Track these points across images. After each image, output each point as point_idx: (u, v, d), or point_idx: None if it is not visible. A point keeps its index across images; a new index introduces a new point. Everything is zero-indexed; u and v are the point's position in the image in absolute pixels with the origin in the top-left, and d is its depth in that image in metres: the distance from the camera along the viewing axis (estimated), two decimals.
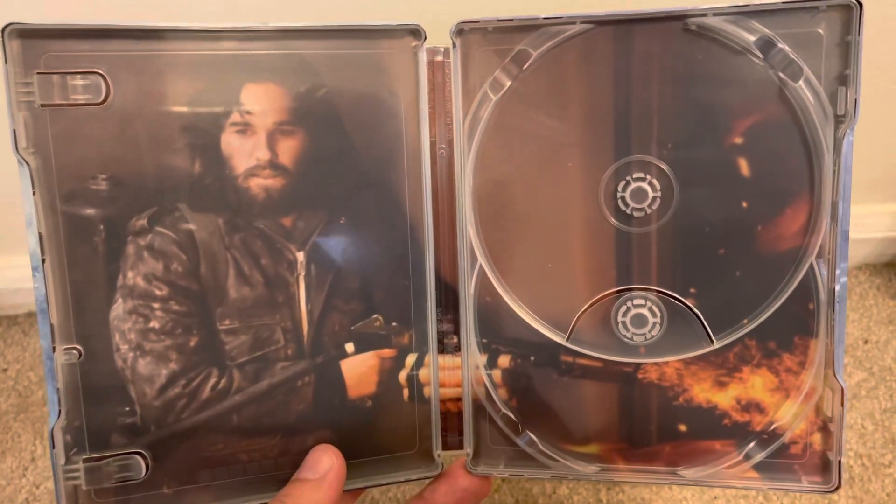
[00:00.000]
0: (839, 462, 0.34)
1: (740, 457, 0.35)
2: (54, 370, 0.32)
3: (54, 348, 0.32)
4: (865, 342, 0.59)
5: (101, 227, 0.33)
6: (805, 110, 0.33)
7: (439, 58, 0.35)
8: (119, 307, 0.33)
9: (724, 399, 0.35)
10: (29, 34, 0.31)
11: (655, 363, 0.36)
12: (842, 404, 0.34)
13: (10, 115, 0.31)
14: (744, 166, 0.34)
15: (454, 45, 0.35)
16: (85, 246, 0.33)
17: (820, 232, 0.33)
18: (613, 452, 0.37)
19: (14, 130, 0.31)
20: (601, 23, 0.34)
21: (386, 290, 0.37)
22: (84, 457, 0.33)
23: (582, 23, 0.34)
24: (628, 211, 0.35)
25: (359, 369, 0.37)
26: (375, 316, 0.37)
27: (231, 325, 0.35)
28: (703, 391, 0.36)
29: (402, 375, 0.37)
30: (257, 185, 0.34)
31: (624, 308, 0.36)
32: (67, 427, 0.33)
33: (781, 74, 0.33)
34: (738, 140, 0.33)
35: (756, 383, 0.35)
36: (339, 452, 0.35)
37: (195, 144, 0.33)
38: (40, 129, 0.32)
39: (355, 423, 0.37)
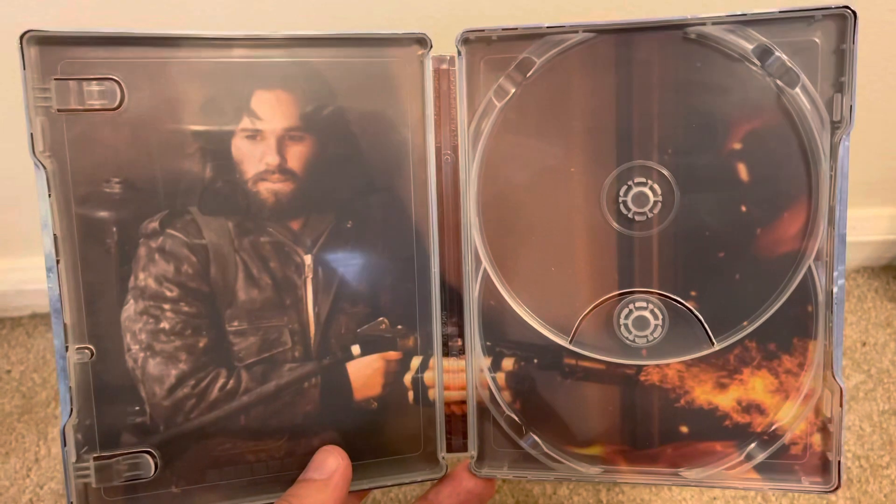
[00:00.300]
0: (839, 462, 0.35)
1: (741, 458, 0.36)
2: (67, 369, 0.33)
3: (67, 347, 0.33)
4: (863, 344, 0.60)
5: (114, 229, 0.34)
6: (802, 117, 0.33)
7: (445, 66, 0.36)
8: (130, 308, 0.34)
9: (725, 400, 0.36)
10: (47, 41, 0.32)
11: (657, 365, 0.36)
12: (841, 405, 0.34)
13: (28, 119, 0.32)
14: (743, 171, 0.34)
15: (459, 54, 0.35)
16: (98, 248, 0.33)
17: (817, 236, 0.34)
18: (616, 454, 0.37)
19: (31, 134, 0.32)
20: (603, 31, 0.34)
21: (391, 293, 0.37)
22: (94, 455, 0.34)
23: (584, 31, 0.35)
24: (630, 215, 0.36)
25: (364, 371, 0.37)
26: (381, 319, 0.37)
27: (240, 327, 0.36)
28: (704, 393, 0.36)
29: (408, 378, 0.38)
30: (266, 189, 0.35)
31: (626, 311, 0.36)
32: (79, 425, 0.33)
33: (779, 82, 0.33)
34: (737, 146, 0.34)
35: (756, 385, 0.36)
36: (345, 453, 0.36)
37: (206, 149, 0.34)
38: (56, 134, 0.32)
39: (361, 424, 0.37)
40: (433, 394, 0.38)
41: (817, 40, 0.33)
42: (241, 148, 0.35)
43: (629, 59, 0.35)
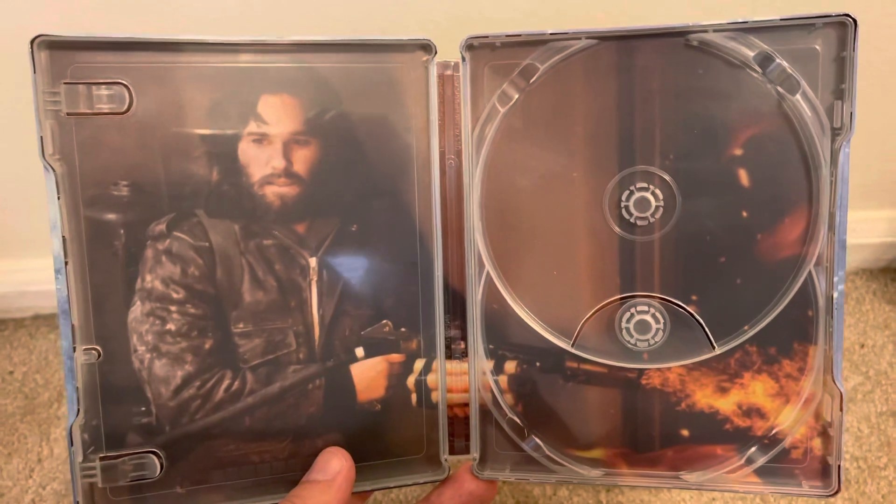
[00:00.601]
0: (839, 466, 0.35)
1: (742, 461, 0.36)
2: (74, 370, 0.33)
3: (74, 348, 0.33)
4: (862, 346, 0.60)
5: (122, 231, 0.34)
6: (802, 123, 0.34)
7: (449, 71, 0.37)
8: (137, 309, 0.34)
9: (726, 404, 0.36)
10: (57, 46, 0.32)
11: (658, 369, 0.37)
12: (841, 409, 0.34)
13: (38, 122, 0.32)
14: (743, 177, 0.35)
15: (464, 59, 0.36)
16: (105, 250, 0.34)
17: (818, 241, 0.34)
18: (617, 457, 0.37)
19: (41, 138, 0.32)
20: (605, 38, 0.35)
21: (395, 296, 0.38)
22: (101, 455, 0.34)
23: (587, 38, 0.35)
24: (632, 220, 0.36)
25: (368, 374, 0.38)
26: (385, 321, 0.38)
27: (245, 329, 0.36)
28: (705, 396, 0.36)
29: (411, 380, 0.38)
30: (272, 192, 0.36)
31: (628, 315, 0.37)
32: (85, 426, 0.34)
33: (779, 88, 0.34)
34: (738, 151, 0.35)
35: (757, 389, 0.36)
36: (349, 455, 0.36)
37: (213, 153, 0.35)
38: (66, 137, 0.33)
39: (364, 426, 0.38)
40: (436, 396, 0.38)
41: (818, 48, 0.33)
42: (247, 151, 0.35)
43: (631, 66, 0.35)
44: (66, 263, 0.33)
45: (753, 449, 0.36)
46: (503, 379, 0.38)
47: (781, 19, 0.33)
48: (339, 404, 0.37)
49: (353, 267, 0.37)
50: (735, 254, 0.35)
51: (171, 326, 0.35)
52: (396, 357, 0.38)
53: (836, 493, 0.35)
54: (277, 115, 0.35)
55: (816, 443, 0.36)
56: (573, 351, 0.37)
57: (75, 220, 0.33)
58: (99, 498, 0.34)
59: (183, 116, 0.34)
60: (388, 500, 0.52)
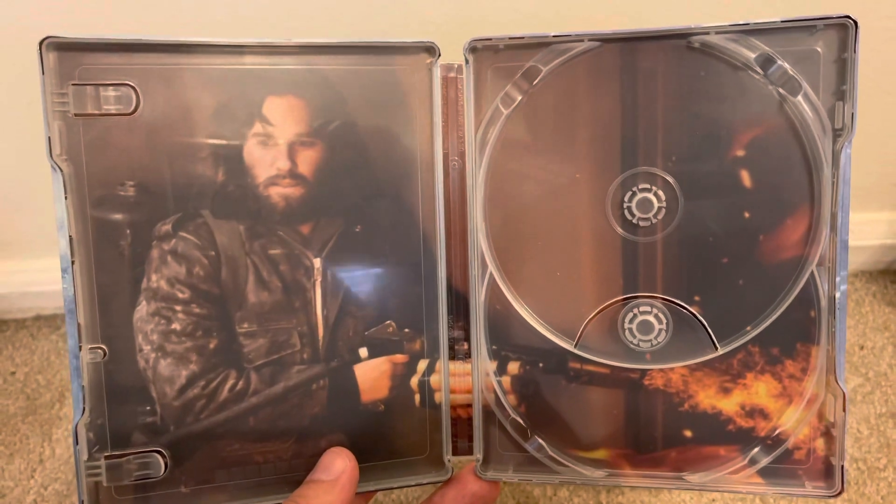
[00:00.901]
0: (842, 467, 0.35)
1: (745, 462, 0.36)
2: (80, 368, 0.33)
3: (80, 347, 0.33)
4: (861, 348, 0.60)
5: (128, 231, 0.34)
6: (804, 124, 0.34)
7: (452, 73, 0.37)
8: (143, 309, 0.35)
9: (729, 405, 0.36)
10: (65, 47, 0.33)
11: (661, 369, 0.37)
12: (844, 410, 0.34)
13: (46, 123, 0.32)
14: (746, 178, 0.35)
15: (467, 62, 0.36)
16: (112, 249, 0.34)
17: (820, 242, 0.34)
18: (620, 458, 0.38)
19: (49, 138, 0.32)
20: (608, 40, 0.35)
21: (399, 296, 0.38)
22: (105, 454, 0.34)
23: (590, 40, 0.35)
24: (634, 221, 0.36)
25: (372, 374, 0.38)
26: (388, 322, 0.38)
27: (249, 329, 0.36)
28: (707, 397, 0.36)
29: (414, 381, 0.38)
30: (277, 193, 0.36)
31: (630, 315, 0.37)
32: (90, 424, 0.34)
33: (781, 90, 0.34)
34: (740, 153, 0.35)
35: (760, 389, 0.36)
36: (352, 455, 0.36)
37: (219, 154, 0.35)
38: (73, 138, 0.33)
39: (368, 426, 0.38)
40: (439, 397, 0.38)
41: (819, 49, 0.33)
42: (252, 153, 0.35)
43: (634, 68, 0.35)
44: (72, 263, 0.33)
45: (756, 450, 0.36)
46: (506, 380, 0.38)
47: (783, 21, 0.33)
48: (343, 404, 0.37)
49: (357, 268, 0.37)
50: (737, 254, 0.35)
51: (176, 326, 0.35)
52: (400, 358, 0.38)
53: (840, 493, 0.35)
54: (283, 117, 0.35)
55: (819, 443, 0.36)
56: (576, 352, 0.37)
57: (82, 220, 0.34)
58: (103, 497, 0.34)
59: (189, 118, 0.34)
60: (388, 500, 0.52)
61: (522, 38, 0.36)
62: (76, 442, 0.33)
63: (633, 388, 0.37)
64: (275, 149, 0.36)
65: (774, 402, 0.36)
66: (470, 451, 0.39)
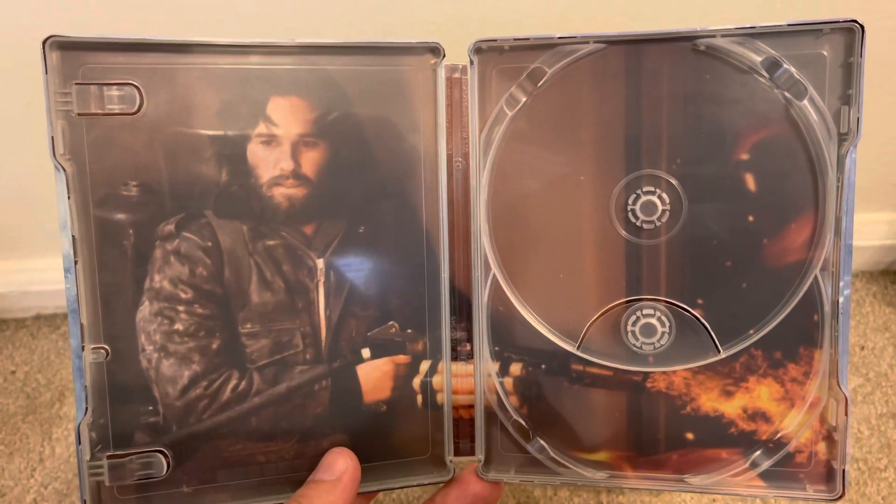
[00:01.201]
0: (844, 471, 0.35)
1: (746, 465, 0.36)
2: (83, 368, 0.33)
3: (83, 347, 0.33)
4: (862, 349, 0.60)
5: (131, 231, 0.34)
6: (809, 128, 0.34)
7: (457, 74, 0.37)
8: (145, 309, 0.35)
9: (731, 408, 0.36)
10: (68, 46, 0.32)
11: (664, 372, 0.37)
12: (846, 414, 0.34)
13: (49, 122, 0.32)
14: (750, 181, 0.35)
15: (472, 63, 0.36)
16: (115, 249, 0.34)
17: (824, 246, 0.34)
18: (622, 460, 0.38)
19: (52, 138, 0.32)
20: (613, 42, 0.35)
21: (402, 297, 0.38)
22: (108, 453, 0.34)
23: (595, 42, 0.35)
24: (638, 223, 0.36)
25: (374, 374, 0.38)
26: (391, 323, 0.38)
27: (252, 329, 0.36)
28: (710, 400, 0.36)
29: (416, 381, 0.38)
30: (281, 194, 0.36)
31: (633, 318, 0.37)
32: (93, 424, 0.34)
33: (787, 94, 0.34)
34: (745, 156, 0.35)
35: (762, 393, 0.36)
36: (354, 455, 0.36)
37: (222, 154, 0.35)
38: (76, 137, 0.33)
39: (370, 427, 0.38)
40: (441, 398, 0.38)
41: (825, 53, 0.33)
42: (256, 153, 0.35)
43: (639, 70, 0.35)
44: (75, 263, 0.33)
45: (758, 453, 0.36)
46: (508, 381, 0.38)
47: (789, 25, 0.33)
48: (346, 405, 0.37)
49: (360, 268, 0.37)
50: (741, 258, 0.35)
51: (178, 326, 0.35)
52: (402, 358, 0.38)
53: (841, 497, 0.35)
54: (286, 117, 0.35)
55: (821, 447, 0.36)
56: (579, 353, 0.37)
57: (85, 220, 0.33)
58: (106, 496, 0.34)
59: (193, 117, 0.34)
60: (389, 500, 0.53)
61: (528, 39, 0.35)
62: (79, 442, 0.33)
63: (636, 390, 0.37)
64: (278, 149, 0.35)
65: (776, 406, 0.36)
66: (472, 452, 0.39)
